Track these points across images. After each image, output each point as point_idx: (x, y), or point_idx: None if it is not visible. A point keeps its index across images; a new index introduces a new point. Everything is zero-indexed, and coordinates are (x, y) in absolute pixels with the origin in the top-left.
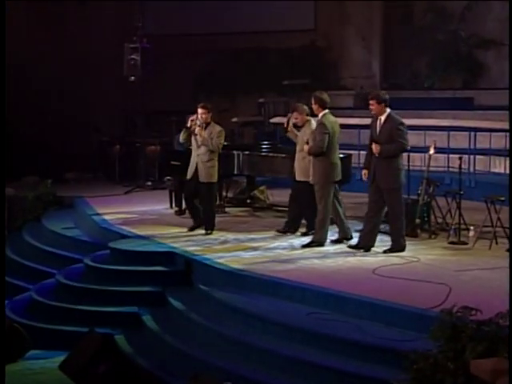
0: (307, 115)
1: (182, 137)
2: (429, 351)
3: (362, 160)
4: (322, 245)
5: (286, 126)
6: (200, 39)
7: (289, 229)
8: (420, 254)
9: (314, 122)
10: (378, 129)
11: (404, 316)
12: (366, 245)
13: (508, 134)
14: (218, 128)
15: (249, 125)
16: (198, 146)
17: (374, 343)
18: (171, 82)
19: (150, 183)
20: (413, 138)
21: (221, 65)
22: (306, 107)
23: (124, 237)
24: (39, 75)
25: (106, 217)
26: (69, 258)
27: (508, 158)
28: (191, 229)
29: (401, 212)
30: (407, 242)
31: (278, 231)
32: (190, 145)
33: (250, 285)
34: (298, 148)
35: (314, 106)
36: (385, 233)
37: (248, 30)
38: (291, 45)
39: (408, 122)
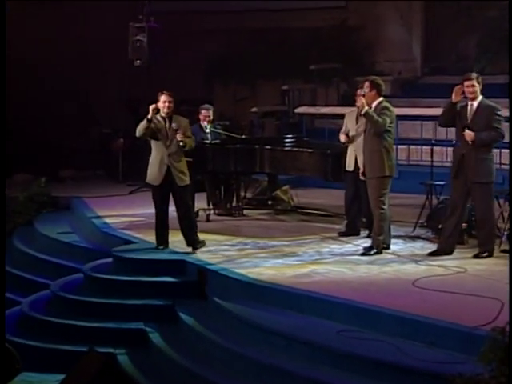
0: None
1: (140, 130)
2: (478, 375)
3: (402, 155)
4: (387, 247)
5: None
6: (215, 18)
7: (351, 231)
8: (467, 263)
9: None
10: (469, 115)
11: (449, 335)
12: (449, 250)
13: None
14: (184, 120)
15: (270, 115)
16: (168, 145)
17: (414, 366)
18: (182, 67)
19: None
20: None
21: (238, 47)
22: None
23: (128, 243)
24: (30, 58)
25: (108, 220)
26: (65, 267)
27: None
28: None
29: (491, 210)
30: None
31: (340, 234)
32: (147, 139)
33: (271, 298)
34: (365, 137)
35: (371, 93)
36: (425, 239)
37: (270, 7)
38: (319, 24)
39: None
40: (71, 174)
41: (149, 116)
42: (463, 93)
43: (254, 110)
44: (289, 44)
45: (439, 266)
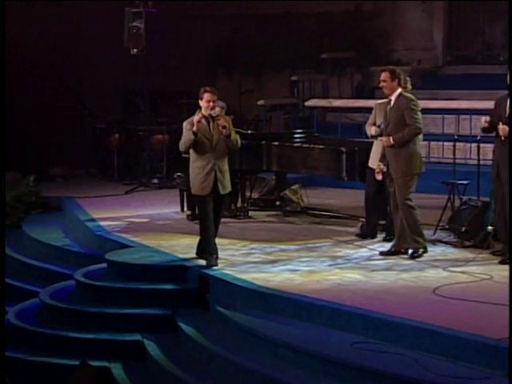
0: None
1: (186, 147)
2: None
3: (421, 152)
4: (405, 252)
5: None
6: (218, 3)
7: (370, 233)
8: (493, 270)
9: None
10: (507, 108)
11: (473, 348)
12: None
13: None
14: (228, 118)
15: (279, 109)
16: (213, 148)
17: (434, 381)
18: (182, 56)
19: (156, 181)
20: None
21: (244, 34)
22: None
23: (124, 247)
24: (16, 46)
25: (102, 222)
26: (56, 274)
27: None
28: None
29: None
30: (476, 255)
31: (385, 239)
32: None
33: (279, 307)
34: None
35: (391, 83)
36: (447, 243)
37: None
38: (331, 9)
39: (478, 104)
40: (62, 173)
41: (194, 129)
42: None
43: (260, 103)
44: (298, 31)
45: (462, 272)
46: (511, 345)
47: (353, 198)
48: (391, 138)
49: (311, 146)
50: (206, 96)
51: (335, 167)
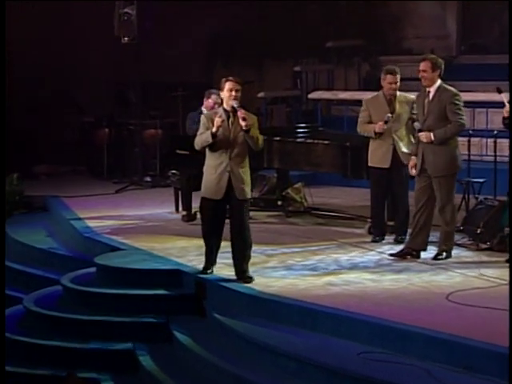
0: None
1: (202, 146)
2: None
3: None
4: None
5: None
6: None
7: (402, 234)
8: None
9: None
10: None
11: (488, 358)
12: None
13: None
14: (253, 115)
15: (280, 102)
16: (230, 145)
17: None
18: (177, 45)
19: (148, 179)
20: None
21: (243, 21)
22: None
23: (114, 250)
24: None
25: (91, 223)
26: (41, 278)
27: None
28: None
29: None
30: (493, 258)
31: (397, 241)
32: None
33: (281, 314)
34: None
35: (432, 74)
36: (461, 246)
37: None
38: None
39: (495, 97)
40: (47, 170)
41: (214, 130)
42: None
43: (260, 95)
44: (302, 18)
45: (477, 276)
46: (511, 349)
47: (360, 197)
48: (432, 134)
49: (315, 141)
50: (228, 85)
51: (341, 164)
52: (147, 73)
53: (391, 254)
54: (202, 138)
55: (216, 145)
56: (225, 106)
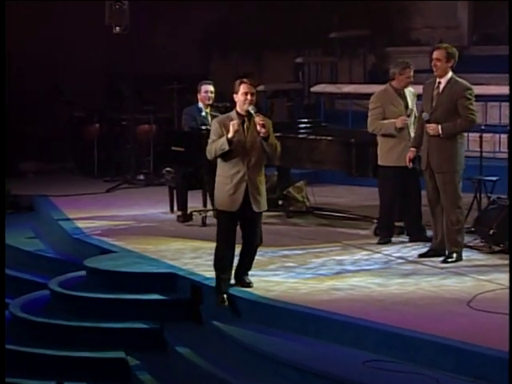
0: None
1: (216, 154)
2: None
3: None
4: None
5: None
6: None
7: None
8: None
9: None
10: None
11: (502, 367)
12: None
13: None
14: (267, 118)
15: (281, 95)
16: (247, 153)
17: None
18: (172, 36)
19: (141, 177)
20: None
21: (242, 11)
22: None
23: (105, 252)
24: None
25: (80, 224)
26: (27, 282)
27: None
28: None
29: None
30: (506, 261)
31: (411, 240)
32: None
33: (282, 321)
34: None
35: (446, 64)
36: (472, 248)
37: None
38: None
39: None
40: (34, 168)
41: (230, 135)
42: None
43: (260, 88)
44: (304, 6)
45: (490, 280)
46: (511, 354)
47: (365, 197)
48: (440, 127)
49: (318, 137)
50: (243, 88)
51: (345, 161)
52: (140, 65)
53: (420, 255)
54: (216, 146)
55: (231, 153)
56: (238, 109)
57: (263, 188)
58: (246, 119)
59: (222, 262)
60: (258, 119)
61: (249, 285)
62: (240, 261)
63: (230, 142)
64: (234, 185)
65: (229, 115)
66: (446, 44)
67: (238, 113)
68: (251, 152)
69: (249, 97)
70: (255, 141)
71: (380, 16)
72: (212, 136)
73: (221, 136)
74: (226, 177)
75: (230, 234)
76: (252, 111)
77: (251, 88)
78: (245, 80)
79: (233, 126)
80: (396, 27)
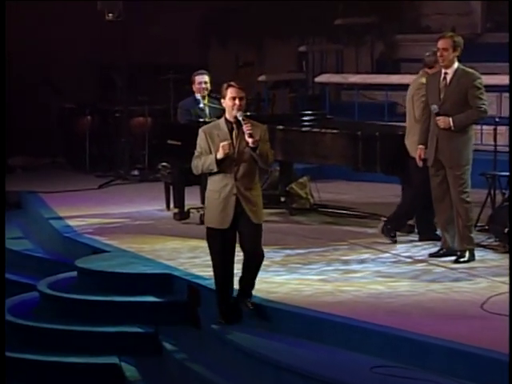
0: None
1: (202, 171)
2: None
3: None
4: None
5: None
6: None
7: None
8: None
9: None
10: None
11: None
12: None
13: None
14: (261, 125)
15: (283, 86)
16: (235, 164)
17: None
18: (168, 23)
19: (136, 173)
20: None
21: None
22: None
23: (98, 252)
24: None
25: (71, 222)
26: (15, 284)
27: None
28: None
29: None
30: None
31: (421, 239)
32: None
33: (284, 324)
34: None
35: (452, 54)
36: (486, 247)
37: None
38: None
39: None
40: (23, 163)
41: (219, 156)
42: None
43: (261, 78)
44: None
45: (505, 282)
46: (511, 356)
47: (372, 193)
48: (451, 120)
49: (322, 130)
50: (231, 92)
51: (351, 156)
52: (134, 54)
53: (431, 255)
54: (202, 164)
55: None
56: (227, 116)
57: (259, 200)
58: (234, 126)
59: (220, 280)
60: (246, 128)
61: (249, 308)
62: (241, 278)
63: (218, 162)
64: (222, 199)
65: (216, 124)
66: (450, 32)
67: (226, 119)
68: (239, 162)
69: (237, 102)
70: (244, 150)
71: (388, 1)
72: (198, 148)
73: (206, 150)
74: (215, 191)
75: (225, 255)
76: (240, 118)
77: (239, 92)
78: (232, 83)
79: (223, 147)
80: (405, 14)
